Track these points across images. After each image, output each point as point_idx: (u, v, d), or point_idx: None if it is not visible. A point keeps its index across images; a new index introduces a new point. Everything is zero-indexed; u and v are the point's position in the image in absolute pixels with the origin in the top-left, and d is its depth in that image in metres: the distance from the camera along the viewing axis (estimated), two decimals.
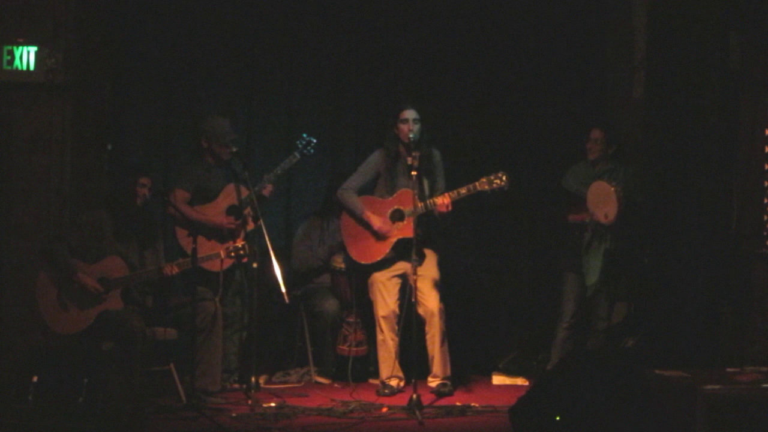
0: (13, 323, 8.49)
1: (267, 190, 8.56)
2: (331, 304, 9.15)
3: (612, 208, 8.41)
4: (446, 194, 8.25)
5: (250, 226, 8.43)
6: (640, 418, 6.53)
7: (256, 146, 9.82)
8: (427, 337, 8.55)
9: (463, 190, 8.20)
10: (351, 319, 9.14)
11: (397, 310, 8.57)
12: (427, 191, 8.43)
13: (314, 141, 8.74)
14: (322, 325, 9.16)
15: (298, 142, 8.75)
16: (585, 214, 8.69)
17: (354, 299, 9.12)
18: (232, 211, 8.50)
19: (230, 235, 8.48)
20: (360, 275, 8.91)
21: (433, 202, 8.26)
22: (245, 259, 8.13)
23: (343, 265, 9.13)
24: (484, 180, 8.11)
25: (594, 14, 10.04)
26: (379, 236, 8.58)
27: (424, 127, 8.52)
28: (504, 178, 8.09)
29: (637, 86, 9.54)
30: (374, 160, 8.71)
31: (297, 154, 8.69)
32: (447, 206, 8.22)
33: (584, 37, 10.03)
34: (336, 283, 9.23)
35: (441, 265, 8.63)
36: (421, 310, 8.44)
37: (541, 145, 9.88)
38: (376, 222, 8.56)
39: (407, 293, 8.27)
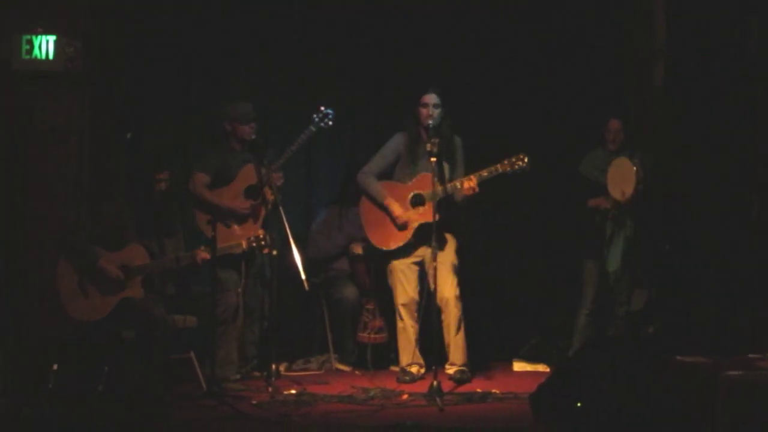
0: (34, 312, 8.51)
1: (275, 178, 8.45)
2: (350, 291, 9.15)
3: (629, 186, 8.40)
4: (471, 176, 8.22)
5: (269, 196, 8.37)
6: (661, 405, 6.52)
7: (275, 132, 9.78)
8: (443, 324, 8.54)
9: (485, 173, 8.17)
10: (370, 306, 9.14)
11: (416, 297, 8.56)
12: (447, 176, 8.40)
13: (331, 113, 8.62)
14: (342, 312, 9.16)
15: (314, 115, 8.66)
16: (603, 198, 8.67)
17: (373, 286, 9.11)
18: (249, 191, 8.50)
19: (250, 216, 8.48)
20: (380, 261, 8.89)
21: (460, 183, 8.24)
22: (266, 250, 8.13)
23: (362, 252, 9.13)
24: (505, 162, 8.10)
25: (615, 1, 9.99)
26: (401, 224, 8.57)
27: (446, 113, 8.50)
28: (525, 159, 8.07)
29: (657, 73, 9.49)
30: (395, 143, 8.70)
31: (313, 128, 8.60)
32: (473, 189, 8.20)
33: (605, 24, 9.98)
34: (355, 270, 9.23)
35: (460, 252, 8.61)
36: (437, 298, 8.42)
37: (561, 132, 9.83)
38: (397, 210, 8.54)
39: (426, 280, 8.27)
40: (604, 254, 8.74)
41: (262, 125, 8.97)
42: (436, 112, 8.45)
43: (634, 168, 8.38)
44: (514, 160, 8.06)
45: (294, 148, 8.56)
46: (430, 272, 8.09)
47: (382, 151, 8.74)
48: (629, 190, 8.41)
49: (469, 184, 8.20)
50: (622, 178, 8.48)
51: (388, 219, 8.64)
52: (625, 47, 9.99)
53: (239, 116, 8.57)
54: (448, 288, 8.48)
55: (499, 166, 8.12)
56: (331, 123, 8.64)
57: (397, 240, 8.61)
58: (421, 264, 8.54)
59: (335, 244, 9.36)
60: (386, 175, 8.72)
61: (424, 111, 8.46)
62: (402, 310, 8.63)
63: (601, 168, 8.72)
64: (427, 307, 8.36)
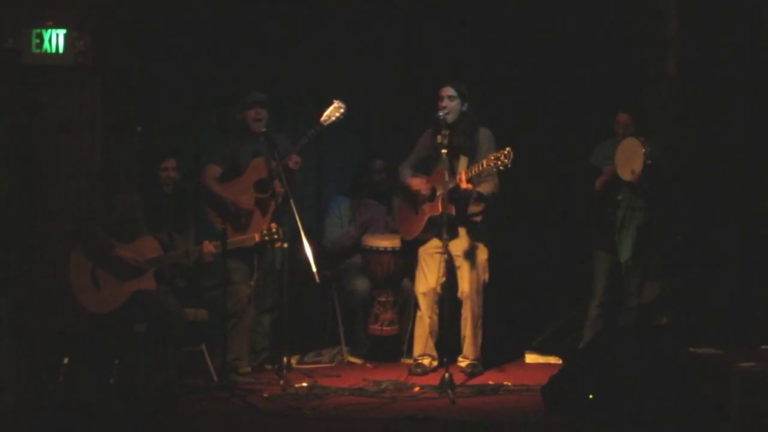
0: (45, 305, 8.51)
1: (292, 161, 8.43)
2: (361, 283, 9.14)
3: (638, 163, 8.37)
4: (462, 172, 8.22)
5: (279, 189, 8.37)
6: (673, 396, 6.50)
7: (286, 125, 9.78)
8: (462, 317, 8.55)
9: (475, 169, 8.15)
10: (382, 299, 9.12)
11: (437, 288, 8.53)
12: (462, 170, 8.35)
13: (343, 107, 8.62)
14: (353, 305, 9.16)
15: (327, 108, 8.62)
16: (608, 168, 8.64)
17: (385, 278, 9.10)
18: (259, 185, 8.49)
19: (259, 208, 8.47)
20: (397, 252, 9.00)
21: (454, 180, 8.22)
22: (279, 244, 8.12)
23: (373, 244, 9.11)
24: (492, 157, 8.02)
25: None
26: (418, 206, 8.59)
27: (466, 107, 8.48)
28: (508, 154, 7.92)
29: (670, 62, 9.46)
30: (423, 137, 8.73)
31: (323, 123, 8.58)
32: (462, 183, 8.17)
33: (616, 14, 9.95)
34: (367, 263, 9.20)
35: (488, 247, 8.61)
36: (458, 291, 8.45)
37: (574, 123, 9.82)
38: (414, 183, 8.59)
39: (455, 273, 8.32)
40: (615, 245, 8.71)
41: (275, 117, 8.99)
42: (452, 104, 8.42)
43: (642, 147, 8.35)
44: (498, 155, 7.97)
45: (304, 142, 8.53)
46: (445, 265, 8.12)
47: (416, 145, 8.79)
48: (638, 167, 8.39)
49: (460, 178, 8.19)
50: (630, 158, 8.46)
51: (410, 208, 8.69)
52: (637, 37, 9.95)
53: (245, 103, 8.59)
54: (466, 283, 8.49)
55: (485, 161, 8.06)
56: (342, 117, 8.57)
57: (413, 231, 8.67)
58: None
59: (350, 236, 9.34)
60: (424, 169, 8.72)
61: (439, 103, 8.44)
62: (420, 299, 8.66)
63: (612, 158, 8.69)
64: (442, 300, 8.36)
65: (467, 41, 9.99)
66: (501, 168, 7.96)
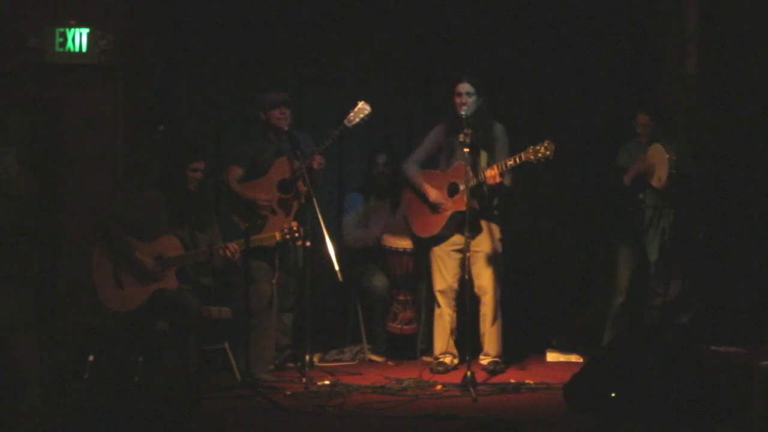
0: (69, 303, 8.54)
1: (316, 161, 8.44)
2: (380, 281, 9.15)
3: (663, 173, 8.35)
4: (494, 166, 8.22)
5: (303, 188, 8.40)
6: (696, 395, 6.50)
7: (308, 123, 9.79)
8: (480, 314, 8.53)
9: (510, 161, 8.14)
10: (401, 297, 9.13)
11: (455, 285, 8.55)
12: (484, 165, 8.38)
13: (368, 109, 8.64)
14: (371, 302, 9.17)
15: (351, 111, 8.63)
16: (639, 162, 8.62)
17: (404, 278, 9.10)
18: (282, 185, 8.52)
19: (282, 209, 8.50)
20: (415, 252, 8.94)
21: (484, 174, 8.23)
22: (300, 242, 8.14)
23: (393, 245, 9.11)
24: (530, 150, 8.04)
25: None
26: (436, 209, 8.57)
27: (482, 102, 8.48)
28: (549, 146, 7.99)
29: (689, 60, 9.45)
30: (434, 133, 8.71)
31: (347, 124, 8.61)
32: (494, 178, 8.19)
33: (635, 11, 9.94)
34: (386, 262, 9.21)
35: (502, 241, 8.59)
36: (475, 287, 8.43)
37: (594, 120, 9.81)
38: (432, 194, 8.55)
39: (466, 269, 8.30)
40: (641, 243, 8.69)
41: (296, 117, 9.01)
42: (470, 100, 8.41)
43: (667, 155, 8.33)
44: (538, 147, 8.00)
45: (328, 143, 8.55)
46: (466, 262, 8.10)
47: (423, 142, 8.76)
48: (664, 175, 8.37)
49: (491, 173, 8.20)
50: (657, 165, 8.44)
51: (425, 206, 8.65)
52: (656, 35, 9.94)
53: (270, 102, 8.61)
54: (486, 278, 8.48)
55: (522, 154, 8.07)
56: (366, 119, 8.58)
57: (432, 228, 8.62)
58: (462, 252, 8.52)
59: (371, 235, 9.34)
60: (430, 164, 8.73)
61: (457, 100, 8.43)
62: (439, 297, 8.64)
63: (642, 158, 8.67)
64: (461, 297, 8.37)
65: (488, 38, 9.97)
66: (542, 161, 7.98)
